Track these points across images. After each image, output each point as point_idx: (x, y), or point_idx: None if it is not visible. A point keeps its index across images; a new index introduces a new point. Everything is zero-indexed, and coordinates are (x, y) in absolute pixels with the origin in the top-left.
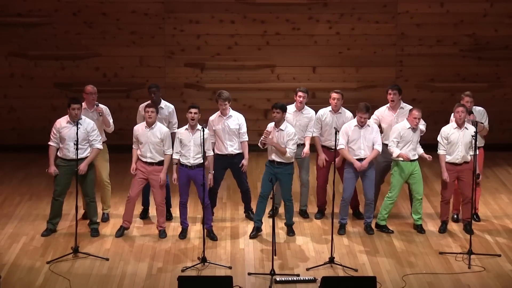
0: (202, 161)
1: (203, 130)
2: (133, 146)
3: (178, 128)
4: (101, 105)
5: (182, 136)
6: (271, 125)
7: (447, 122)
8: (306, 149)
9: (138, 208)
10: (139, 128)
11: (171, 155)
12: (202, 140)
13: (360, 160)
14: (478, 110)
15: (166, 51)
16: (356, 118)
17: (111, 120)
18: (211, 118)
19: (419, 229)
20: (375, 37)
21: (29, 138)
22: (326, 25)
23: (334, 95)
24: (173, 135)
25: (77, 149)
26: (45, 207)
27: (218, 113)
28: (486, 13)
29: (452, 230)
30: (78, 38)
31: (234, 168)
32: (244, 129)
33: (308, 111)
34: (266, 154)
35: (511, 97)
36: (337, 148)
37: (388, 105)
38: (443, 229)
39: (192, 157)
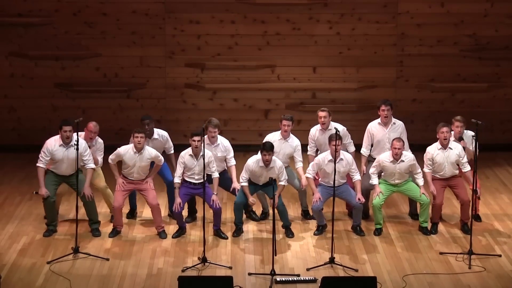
0: (205, 179)
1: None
2: (111, 162)
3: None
4: (99, 140)
5: (186, 161)
6: (252, 166)
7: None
8: (304, 181)
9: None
10: (126, 152)
11: (164, 163)
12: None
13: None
14: (469, 135)
15: (166, 51)
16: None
17: (100, 157)
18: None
19: (424, 231)
20: (376, 37)
21: (29, 138)
22: (326, 25)
23: (320, 113)
24: (170, 156)
25: (77, 166)
26: None
27: (206, 141)
28: (487, 13)
29: (452, 230)
30: (78, 38)
31: (220, 179)
32: (231, 154)
33: (293, 140)
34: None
35: (511, 97)
36: (305, 175)
37: (379, 120)
38: (434, 230)
39: (197, 175)
